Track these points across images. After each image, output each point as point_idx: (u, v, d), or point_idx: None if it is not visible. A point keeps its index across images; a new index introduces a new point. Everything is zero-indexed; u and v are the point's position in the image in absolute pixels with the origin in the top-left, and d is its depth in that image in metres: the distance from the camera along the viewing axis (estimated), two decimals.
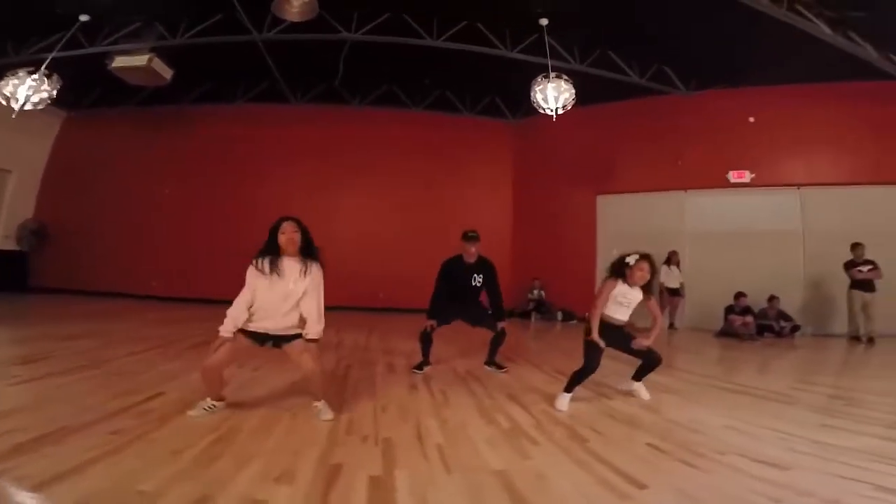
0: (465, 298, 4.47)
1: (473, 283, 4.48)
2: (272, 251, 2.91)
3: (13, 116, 6.69)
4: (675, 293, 8.76)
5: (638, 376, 3.60)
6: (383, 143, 11.10)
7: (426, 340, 4.42)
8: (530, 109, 7.44)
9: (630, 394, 3.59)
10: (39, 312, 7.59)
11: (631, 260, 3.38)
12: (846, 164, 8.33)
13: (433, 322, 4.38)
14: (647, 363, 3.53)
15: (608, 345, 3.30)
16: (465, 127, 11.23)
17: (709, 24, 7.10)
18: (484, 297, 4.59)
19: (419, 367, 4.38)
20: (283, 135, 10.97)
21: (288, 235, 2.92)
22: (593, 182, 10.00)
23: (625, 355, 3.51)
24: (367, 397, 3.44)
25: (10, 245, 10.27)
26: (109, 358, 4.24)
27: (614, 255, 3.51)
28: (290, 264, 2.90)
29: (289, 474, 2.05)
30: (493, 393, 3.69)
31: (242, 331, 2.85)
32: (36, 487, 1.81)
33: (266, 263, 2.86)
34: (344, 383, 3.87)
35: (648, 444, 2.59)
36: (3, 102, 6.65)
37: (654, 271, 3.40)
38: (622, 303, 3.40)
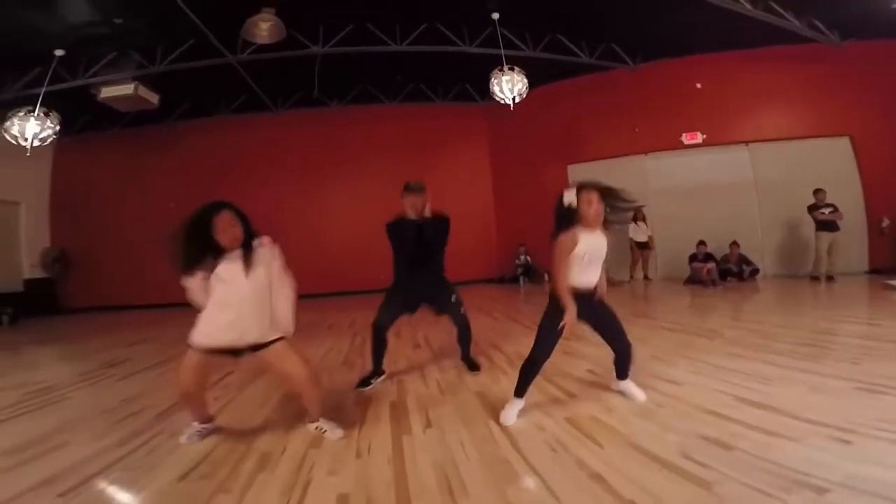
0: (425, 265, 3.62)
1: (424, 238, 3.60)
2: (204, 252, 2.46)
3: (27, 154, 7.49)
4: (644, 247, 9.65)
5: (621, 373, 2.89)
6: (364, 138, 11.84)
7: (379, 340, 3.59)
8: None
9: (623, 394, 2.91)
10: (90, 329, 8.17)
11: (571, 199, 2.51)
12: (788, 120, 9.14)
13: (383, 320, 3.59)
14: (619, 352, 2.82)
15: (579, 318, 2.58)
16: (441, 114, 11.98)
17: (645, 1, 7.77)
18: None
19: (365, 381, 3.53)
20: (269, 140, 11.69)
21: (228, 233, 2.43)
22: (563, 153, 10.76)
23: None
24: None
25: (37, 273, 10.96)
26: (177, 354, 4.92)
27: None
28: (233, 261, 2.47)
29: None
30: (480, 343, 4.55)
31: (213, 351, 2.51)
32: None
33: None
34: (362, 351, 4.76)
35: (588, 371, 3.47)
36: (13, 142, 7.34)
37: (609, 198, 2.57)
38: (592, 260, 2.58)
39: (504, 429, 2.56)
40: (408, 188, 3.60)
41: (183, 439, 2.61)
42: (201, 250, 2.42)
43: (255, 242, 2.51)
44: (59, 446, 2.59)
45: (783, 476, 1.80)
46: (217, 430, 2.75)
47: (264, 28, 6.93)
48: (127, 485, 2.13)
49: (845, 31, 8.50)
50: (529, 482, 1.98)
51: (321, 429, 2.60)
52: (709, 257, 8.61)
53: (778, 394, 2.72)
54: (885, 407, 2.39)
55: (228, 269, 2.44)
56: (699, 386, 3.00)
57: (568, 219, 2.51)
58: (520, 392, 2.68)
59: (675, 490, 1.79)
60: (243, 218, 2.50)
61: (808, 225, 8.29)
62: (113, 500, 2.02)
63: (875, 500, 1.59)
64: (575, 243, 2.49)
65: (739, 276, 8.63)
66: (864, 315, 5.09)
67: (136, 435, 2.73)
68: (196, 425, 2.66)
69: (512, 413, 2.64)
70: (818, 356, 3.44)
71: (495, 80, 7.36)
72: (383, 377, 3.64)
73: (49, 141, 7.75)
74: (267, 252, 2.53)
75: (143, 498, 2.01)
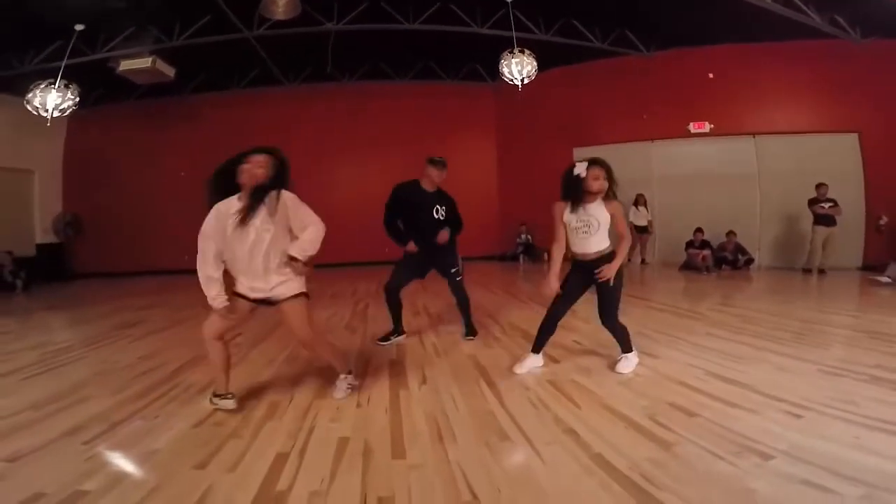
0: (426, 235, 3.78)
1: (436, 216, 3.78)
2: (228, 190, 2.42)
3: (47, 125, 7.66)
4: (643, 231, 9.82)
5: (622, 347, 3.07)
6: (373, 113, 11.96)
7: (393, 301, 3.88)
8: None
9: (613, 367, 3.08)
10: (101, 293, 8.46)
11: (581, 171, 2.74)
12: (796, 114, 9.13)
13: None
14: (613, 334, 3.03)
15: (574, 286, 2.93)
16: (449, 93, 12.06)
17: None
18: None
19: (385, 337, 3.93)
20: (279, 114, 11.77)
21: (247, 173, 2.37)
22: (569, 136, 10.74)
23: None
24: (384, 324, 4.31)
25: (49, 238, 11.21)
26: (187, 317, 5.45)
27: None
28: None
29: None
30: (476, 313, 4.79)
31: (235, 293, 2.51)
32: (200, 390, 2.87)
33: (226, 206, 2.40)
34: (364, 316, 5.15)
35: (574, 341, 3.73)
36: (35, 112, 7.52)
37: (611, 178, 2.78)
38: (583, 230, 2.81)
39: (492, 386, 2.83)
40: (433, 162, 3.76)
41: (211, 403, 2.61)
42: (222, 187, 2.43)
43: (271, 194, 2.41)
44: (81, 399, 2.80)
45: (736, 442, 2.01)
46: (240, 407, 2.59)
47: (281, 4, 7.03)
48: (146, 432, 2.31)
49: (867, 28, 8.33)
50: (511, 433, 2.21)
51: (347, 382, 2.73)
52: (705, 244, 8.75)
53: (746, 371, 2.94)
54: (840, 388, 2.60)
55: (237, 217, 2.39)
56: (675, 360, 3.23)
57: (571, 187, 2.80)
58: (535, 348, 3.10)
59: (638, 447, 2.01)
60: (280, 168, 2.51)
61: (807, 219, 8.36)
62: (133, 446, 2.17)
63: (811, 468, 1.78)
64: (561, 212, 2.86)
65: (734, 264, 8.79)
66: (845, 307, 5.28)
67: (153, 388, 2.97)
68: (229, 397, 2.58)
69: (526, 364, 3.06)
70: (791, 341, 3.66)
71: (505, 62, 7.47)
72: (402, 336, 4.00)
73: (68, 112, 7.90)
74: (276, 202, 2.42)
75: (161, 443, 2.19)
